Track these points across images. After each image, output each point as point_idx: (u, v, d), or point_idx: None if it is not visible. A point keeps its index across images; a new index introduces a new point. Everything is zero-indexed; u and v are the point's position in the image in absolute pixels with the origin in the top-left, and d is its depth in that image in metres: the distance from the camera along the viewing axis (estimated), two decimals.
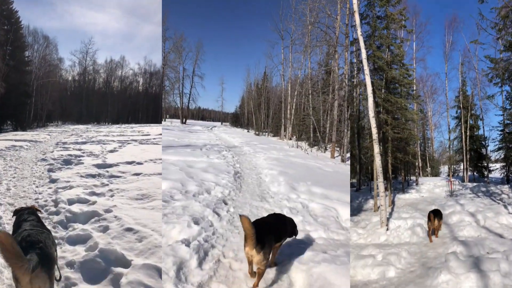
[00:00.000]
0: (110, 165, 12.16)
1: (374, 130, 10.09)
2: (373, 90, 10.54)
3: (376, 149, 10.18)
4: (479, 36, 16.64)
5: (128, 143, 20.58)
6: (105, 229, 5.67)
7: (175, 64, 56.86)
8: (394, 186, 17.75)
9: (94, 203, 7.11)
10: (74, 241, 5.25)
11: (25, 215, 4.26)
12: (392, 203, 14.93)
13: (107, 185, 9.02)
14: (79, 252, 4.83)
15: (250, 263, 4.59)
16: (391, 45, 15.52)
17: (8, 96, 32.73)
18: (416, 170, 23.28)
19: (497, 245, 7.33)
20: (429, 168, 28.77)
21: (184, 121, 60.84)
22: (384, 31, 15.36)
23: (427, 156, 28.62)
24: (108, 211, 6.55)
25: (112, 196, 7.85)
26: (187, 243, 5.42)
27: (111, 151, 16.60)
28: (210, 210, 7.28)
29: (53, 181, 9.75)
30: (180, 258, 4.89)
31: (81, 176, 10.25)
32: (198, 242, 5.54)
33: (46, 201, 7.60)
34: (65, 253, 4.84)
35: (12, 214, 4.86)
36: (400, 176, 20.24)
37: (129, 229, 5.64)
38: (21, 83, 36.18)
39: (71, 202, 7.22)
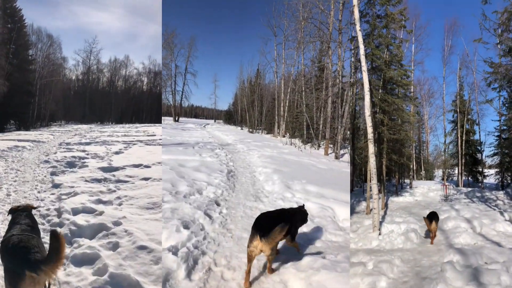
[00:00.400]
0: (116, 168, 11.63)
1: (369, 130, 9.68)
2: (370, 88, 10.22)
3: (371, 149, 9.75)
4: (482, 35, 15.75)
5: (134, 144, 20.07)
6: (115, 247, 5.08)
7: (167, 61, 56.30)
8: (387, 189, 17.46)
9: (101, 213, 6.55)
10: (80, 261, 4.67)
11: (19, 218, 4.22)
12: (385, 206, 14.64)
13: (114, 191, 8.49)
14: (86, 277, 4.24)
15: (251, 260, 4.53)
16: (390, 45, 15.35)
17: (12, 95, 32.38)
18: (410, 173, 23.06)
19: (495, 255, 6.89)
20: (423, 172, 28.49)
21: (176, 119, 60.13)
22: (384, 30, 15.14)
23: (421, 159, 28.36)
24: (117, 223, 5.97)
25: (120, 204, 7.29)
26: (174, 250, 5.08)
27: (117, 153, 16.10)
28: (201, 212, 6.95)
29: (56, 186, 9.28)
30: (167, 269, 4.50)
31: (86, 181, 9.75)
32: (187, 249, 5.18)
33: (48, 209, 7.09)
34: (70, 276, 4.24)
35: (7, 213, 4.72)
36: (394, 179, 19.95)
37: (142, 247, 5.04)
38: (24, 82, 35.79)
39: (75, 211, 6.68)
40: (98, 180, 9.84)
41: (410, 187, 20.22)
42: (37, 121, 40.73)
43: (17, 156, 15.44)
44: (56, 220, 6.31)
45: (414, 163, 24.42)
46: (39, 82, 40.96)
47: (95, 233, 5.62)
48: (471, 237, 8.91)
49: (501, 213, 11.07)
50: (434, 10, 40.86)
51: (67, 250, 5.00)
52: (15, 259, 3.35)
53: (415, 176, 25.04)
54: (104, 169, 11.50)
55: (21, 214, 4.33)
